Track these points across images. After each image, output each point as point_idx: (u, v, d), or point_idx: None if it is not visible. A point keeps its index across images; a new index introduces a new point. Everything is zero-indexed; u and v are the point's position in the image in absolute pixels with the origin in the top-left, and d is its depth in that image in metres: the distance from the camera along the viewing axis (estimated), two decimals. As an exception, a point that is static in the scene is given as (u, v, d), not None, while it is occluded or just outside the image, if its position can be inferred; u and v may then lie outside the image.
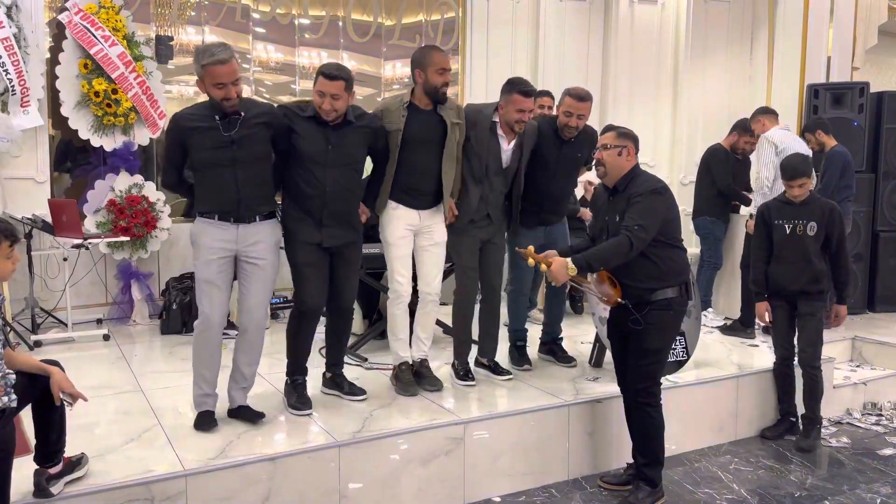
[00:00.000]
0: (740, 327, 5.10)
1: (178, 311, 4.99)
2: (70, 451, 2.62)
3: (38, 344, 4.56)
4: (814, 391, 4.01)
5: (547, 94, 5.15)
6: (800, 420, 4.10)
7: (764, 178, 4.97)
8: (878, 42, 7.09)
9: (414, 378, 3.69)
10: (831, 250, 3.91)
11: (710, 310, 5.71)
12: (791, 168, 3.94)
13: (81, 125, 5.03)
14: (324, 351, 4.24)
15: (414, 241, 3.66)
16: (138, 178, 5.23)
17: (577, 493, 3.41)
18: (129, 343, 4.75)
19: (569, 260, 3.05)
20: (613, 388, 3.76)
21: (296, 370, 3.48)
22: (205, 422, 3.13)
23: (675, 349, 4.07)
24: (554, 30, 6.75)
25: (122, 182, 5.17)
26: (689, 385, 3.98)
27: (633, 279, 3.14)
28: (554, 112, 4.69)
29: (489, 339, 4.01)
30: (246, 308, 3.21)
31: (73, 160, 5.37)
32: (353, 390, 3.57)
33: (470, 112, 3.79)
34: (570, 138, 3.98)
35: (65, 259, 4.80)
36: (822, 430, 4.16)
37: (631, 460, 3.38)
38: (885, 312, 6.02)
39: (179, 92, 5.81)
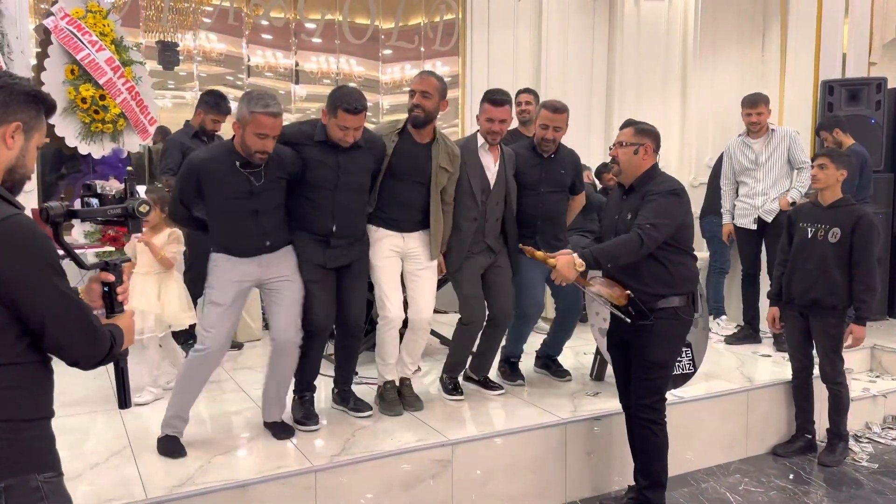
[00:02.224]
0: (748, 331, 4.88)
1: (167, 323, 4.84)
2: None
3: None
4: (838, 406, 3.78)
5: (529, 91, 4.98)
6: (826, 435, 3.87)
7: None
8: (895, 37, 6.80)
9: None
10: (853, 260, 3.60)
11: (723, 317, 5.48)
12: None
13: (68, 132, 4.88)
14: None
15: (402, 264, 3.51)
16: (128, 186, 5.10)
17: (574, 517, 3.22)
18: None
19: (575, 256, 2.87)
20: (614, 405, 3.56)
21: (304, 387, 3.34)
22: (170, 448, 2.95)
23: (680, 361, 3.87)
24: (557, 29, 6.55)
25: (112, 190, 5.02)
26: (696, 399, 3.76)
27: (641, 283, 2.95)
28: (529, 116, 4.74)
29: (484, 359, 3.84)
30: (279, 327, 3.10)
31: (63, 168, 5.25)
32: (359, 406, 3.44)
33: (461, 150, 3.62)
34: (550, 154, 3.85)
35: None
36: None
37: (633, 482, 3.18)
38: (908, 319, 5.75)
39: (193, 98, 5.67)
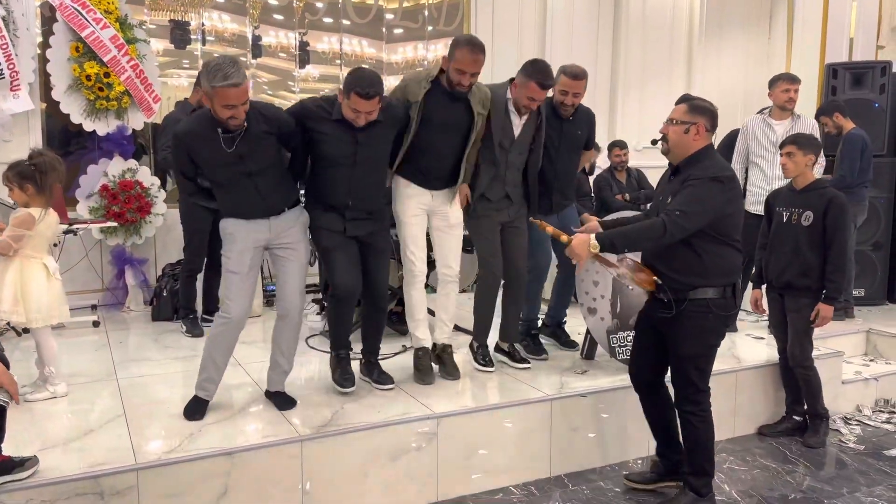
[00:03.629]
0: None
1: (168, 297, 4.94)
2: (28, 441, 2.56)
3: (26, 330, 4.53)
4: (810, 388, 3.81)
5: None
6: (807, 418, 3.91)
7: None
8: (906, 19, 6.72)
9: (435, 361, 3.67)
10: (826, 242, 3.60)
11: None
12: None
13: (73, 109, 4.97)
14: (311, 341, 4.18)
15: (429, 221, 3.60)
16: (132, 163, 5.19)
17: (557, 491, 3.27)
18: (119, 330, 4.71)
19: (592, 237, 2.77)
20: (602, 382, 3.63)
21: (340, 345, 3.45)
22: (195, 409, 3.08)
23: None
24: (562, 10, 6.53)
25: (116, 167, 5.12)
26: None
27: (672, 269, 2.84)
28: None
29: (510, 323, 3.93)
30: (285, 294, 3.18)
31: (67, 145, 5.34)
32: (382, 379, 3.51)
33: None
34: (568, 116, 3.92)
35: (55, 245, 4.76)
36: (831, 427, 3.97)
37: (654, 456, 3.26)
38: (906, 304, 5.74)
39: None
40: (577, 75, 3.81)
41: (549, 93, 3.85)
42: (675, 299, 2.83)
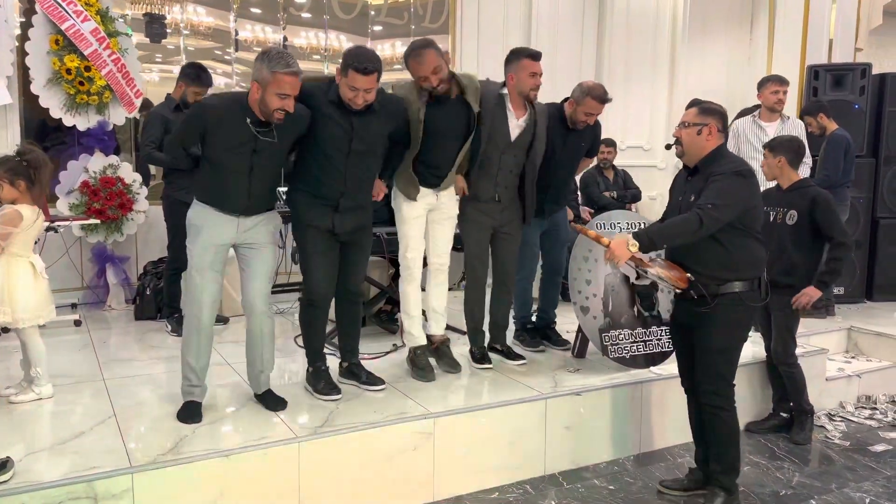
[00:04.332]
0: None
1: (151, 296, 4.85)
2: (13, 444, 2.49)
3: (5, 330, 4.41)
4: (795, 385, 3.86)
5: None
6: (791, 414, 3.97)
7: None
8: (882, 22, 6.84)
9: (434, 355, 3.67)
10: (831, 239, 3.64)
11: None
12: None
13: (53, 103, 4.85)
14: (300, 340, 4.14)
15: (427, 217, 3.62)
16: (113, 159, 5.08)
17: (552, 490, 3.28)
18: (101, 329, 4.61)
19: (630, 236, 2.80)
20: (594, 381, 3.64)
21: (316, 358, 3.38)
22: (189, 413, 3.01)
23: (661, 339, 3.94)
24: (547, 8, 6.54)
25: (97, 163, 5.01)
26: (672, 377, 3.78)
27: (702, 265, 2.88)
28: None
29: (497, 328, 3.96)
30: (245, 294, 3.11)
31: (46, 140, 5.21)
32: (371, 380, 3.45)
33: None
34: (576, 128, 4.00)
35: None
36: (816, 424, 4.03)
37: (692, 463, 3.28)
38: (884, 302, 5.85)
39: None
40: (605, 100, 3.89)
41: (569, 106, 3.96)
42: (709, 294, 2.87)
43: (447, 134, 3.47)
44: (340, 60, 3.07)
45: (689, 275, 2.90)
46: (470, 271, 3.80)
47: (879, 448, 3.85)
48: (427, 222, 3.62)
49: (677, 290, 2.97)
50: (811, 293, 3.66)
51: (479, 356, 3.84)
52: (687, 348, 3.10)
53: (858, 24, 6.42)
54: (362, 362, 3.60)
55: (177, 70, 5.59)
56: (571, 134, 3.98)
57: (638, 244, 2.79)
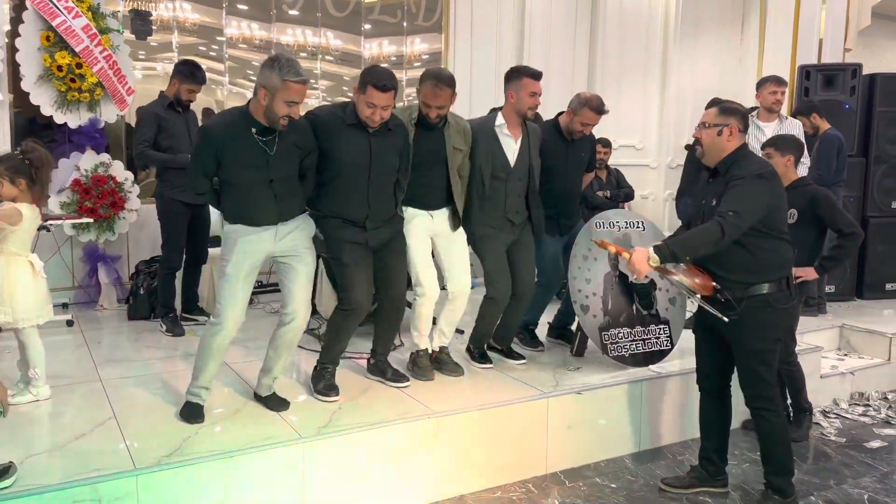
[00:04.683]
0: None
1: (145, 295, 4.80)
2: (12, 447, 2.45)
3: (-3, 330, 4.36)
4: (794, 383, 3.88)
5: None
6: (791, 411, 3.99)
7: None
8: (871, 23, 6.92)
9: (434, 365, 3.68)
10: (840, 232, 3.60)
11: (697, 296, 5.57)
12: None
13: (43, 100, 4.78)
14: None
15: (434, 243, 3.61)
16: (105, 157, 5.02)
17: (555, 488, 3.28)
18: (94, 329, 4.56)
19: (650, 249, 2.75)
20: (594, 379, 3.65)
21: (329, 360, 3.38)
22: (192, 413, 2.99)
23: (658, 338, 3.95)
24: (541, 8, 6.54)
25: (88, 161, 4.95)
26: (671, 375, 3.83)
27: (726, 270, 2.84)
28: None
29: (507, 330, 3.97)
30: (290, 302, 3.08)
31: (37, 137, 5.12)
32: (396, 377, 3.50)
33: (473, 128, 3.69)
34: (572, 139, 4.04)
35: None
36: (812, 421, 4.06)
37: (693, 461, 3.30)
38: (874, 300, 5.91)
39: (165, 70, 5.57)
40: (601, 111, 3.93)
41: (566, 117, 4.00)
42: (734, 298, 2.83)
43: (427, 158, 3.47)
44: (358, 79, 3.13)
45: (714, 283, 2.85)
46: (492, 285, 3.73)
47: (875, 444, 3.89)
48: (437, 250, 3.62)
49: (702, 296, 2.90)
50: (808, 273, 3.64)
51: (478, 355, 3.86)
52: (712, 350, 3.07)
53: (847, 25, 6.48)
54: (358, 362, 3.64)
55: (160, 67, 5.56)
56: (571, 146, 4.02)
57: (659, 258, 2.74)
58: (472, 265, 3.74)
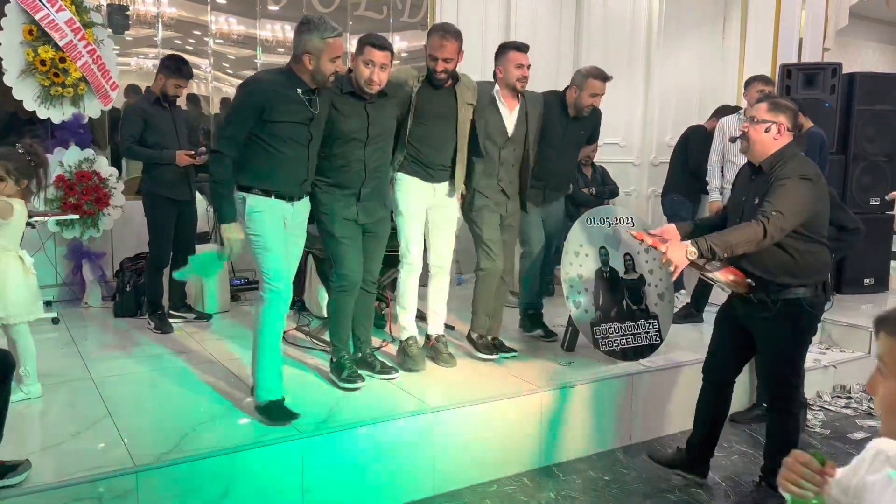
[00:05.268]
0: (693, 313, 5.00)
1: (132, 292, 4.75)
2: (14, 447, 2.42)
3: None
4: None
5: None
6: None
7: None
8: (848, 23, 7.05)
9: (430, 353, 3.70)
10: (842, 228, 3.56)
11: (682, 291, 5.65)
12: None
13: (26, 95, 4.71)
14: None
15: (427, 215, 3.63)
16: (89, 153, 4.96)
17: (549, 482, 3.31)
18: (80, 327, 4.50)
19: (689, 244, 2.67)
20: (586, 374, 3.69)
21: (341, 346, 3.40)
22: (280, 413, 2.94)
23: (648, 332, 4.00)
24: (525, 5, 6.56)
25: (72, 156, 4.88)
26: (660, 369, 3.89)
27: (764, 271, 2.78)
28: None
29: (493, 319, 3.98)
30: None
31: (19, 133, 5.05)
32: (386, 370, 3.50)
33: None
34: (579, 115, 4.08)
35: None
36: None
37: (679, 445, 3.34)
38: (853, 294, 6.03)
39: (138, 65, 5.51)
40: (606, 77, 4.01)
41: (572, 94, 4.05)
42: (770, 300, 2.80)
43: (435, 118, 3.50)
44: (356, 47, 3.22)
45: (749, 280, 2.81)
46: (483, 256, 3.77)
47: (859, 436, 3.98)
48: (428, 221, 3.64)
49: (738, 295, 2.87)
50: None
51: (482, 346, 3.88)
52: (734, 345, 3.04)
53: (826, 25, 6.60)
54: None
55: (135, 62, 5.49)
56: (572, 122, 4.07)
57: (697, 252, 2.67)
58: (457, 249, 3.80)
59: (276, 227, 2.98)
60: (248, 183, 2.96)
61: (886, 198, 5.76)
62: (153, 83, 4.60)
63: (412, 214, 3.55)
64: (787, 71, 5.90)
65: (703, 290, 4.99)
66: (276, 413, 2.93)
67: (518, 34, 6.48)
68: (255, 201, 2.96)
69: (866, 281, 6.09)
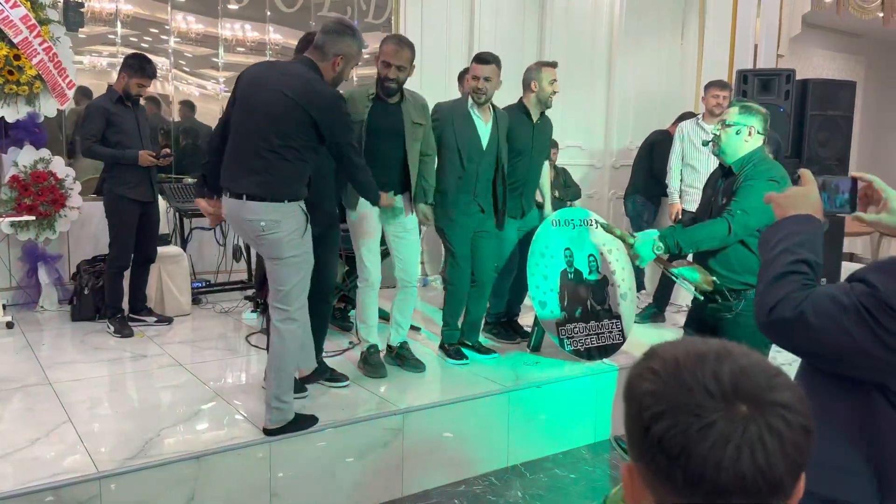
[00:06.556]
0: (655, 312, 5.09)
1: (90, 295, 4.64)
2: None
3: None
4: None
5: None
6: None
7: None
8: (800, 31, 7.25)
9: (396, 361, 3.71)
10: None
11: (643, 291, 5.75)
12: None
13: (-21, 94, 4.58)
14: (252, 339, 4.08)
15: (384, 231, 3.60)
16: (45, 153, 4.83)
17: (516, 481, 3.34)
18: (36, 331, 4.39)
19: (656, 237, 2.79)
20: (552, 373, 3.73)
21: (321, 348, 3.46)
22: (304, 422, 2.91)
23: (612, 332, 4.06)
24: (489, 9, 6.61)
25: (27, 157, 4.76)
26: (624, 367, 3.95)
27: (728, 269, 2.80)
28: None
29: (473, 326, 4.02)
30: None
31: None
32: (336, 377, 3.47)
33: (443, 110, 3.79)
34: (537, 120, 4.15)
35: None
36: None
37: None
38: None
39: (91, 63, 5.39)
40: (555, 64, 4.13)
41: (529, 93, 4.08)
42: (733, 299, 2.83)
43: (384, 135, 3.47)
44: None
45: (714, 278, 2.85)
46: (454, 270, 3.80)
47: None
48: (388, 236, 3.61)
49: (701, 292, 2.90)
50: None
51: (453, 352, 3.89)
52: None
53: (780, 32, 6.78)
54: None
55: (88, 60, 5.37)
56: (536, 128, 4.12)
57: (664, 247, 2.77)
58: (424, 251, 3.80)
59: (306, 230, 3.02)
60: (297, 192, 2.91)
61: (795, 176, 5.94)
62: (115, 82, 4.52)
63: (367, 228, 3.50)
64: (743, 76, 6.04)
65: (664, 291, 5.09)
66: (298, 421, 2.90)
67: (482, 37, 6.54)
68: (291, 209, 2.86)
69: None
